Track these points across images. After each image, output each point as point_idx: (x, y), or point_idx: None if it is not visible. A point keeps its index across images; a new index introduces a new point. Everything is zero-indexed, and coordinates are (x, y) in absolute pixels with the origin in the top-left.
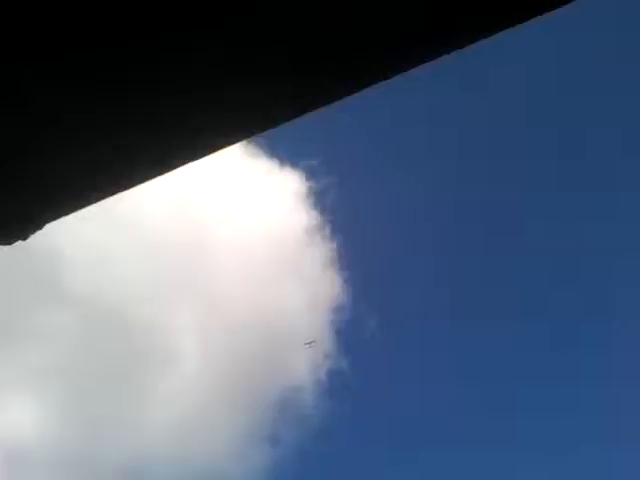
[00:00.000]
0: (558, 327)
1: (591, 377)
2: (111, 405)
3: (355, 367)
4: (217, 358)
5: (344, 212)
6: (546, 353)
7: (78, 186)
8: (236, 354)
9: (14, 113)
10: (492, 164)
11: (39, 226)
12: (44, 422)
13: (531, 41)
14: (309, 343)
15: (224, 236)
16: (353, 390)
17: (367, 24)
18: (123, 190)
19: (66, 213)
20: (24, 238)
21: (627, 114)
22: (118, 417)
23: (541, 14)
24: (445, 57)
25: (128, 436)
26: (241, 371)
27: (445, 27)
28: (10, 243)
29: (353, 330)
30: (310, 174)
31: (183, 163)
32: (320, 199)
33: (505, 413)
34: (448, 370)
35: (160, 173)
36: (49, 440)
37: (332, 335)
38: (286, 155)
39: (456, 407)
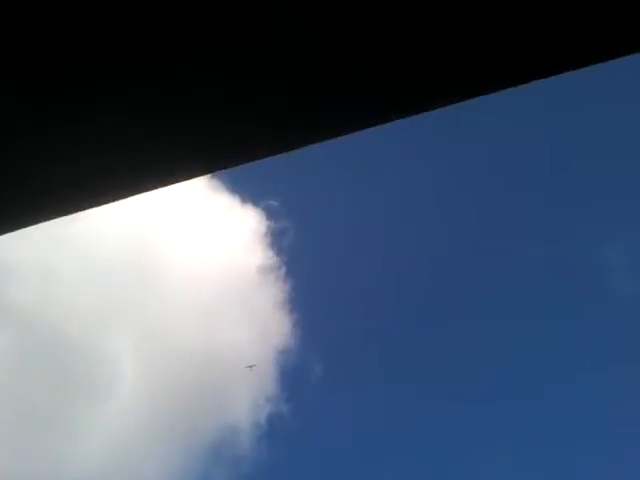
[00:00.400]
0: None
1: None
2: (43, 428)
3: (296, 413)
4: (154, 389)
5: (300, 256)
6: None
7: (34, 203)
8: (175, 386)
9: None
10: (456, 217)
11: None
12: None
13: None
14: (250, 367)
15: (178, 265)
16: (292, 437)
17: (339, 81)
18: (80, 211)
19: (16, 228)
20: None
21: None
22: (45, 444)
23: (536, 80)
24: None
25: (58, 460)
26: (178, 404)
27: (416, 89)
28: None
29: (298, 374)
30: (270, 214)
31: (151, 188)
32: (277, 240)
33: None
34: (393, 426)
35: (123, 197)
36: None
37: (276, 377)
38: (248, 193)
39: (400, 463)
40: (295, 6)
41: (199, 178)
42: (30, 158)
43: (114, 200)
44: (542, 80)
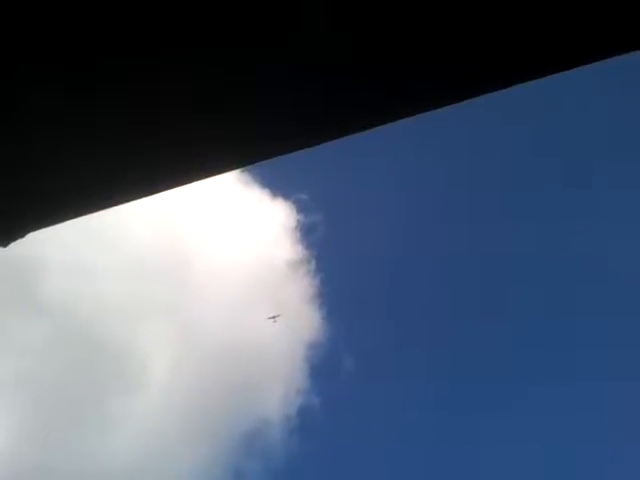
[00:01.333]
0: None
1: (587, 376)
2: (72, 423)
3: (327, 406)
4: (186, 383)
5: (329, 249)
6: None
7: (64, 199)
8: (206, 380)
9: (5, 124)
10: (482, 211)
11: (21, 234)
12: (2, 434)
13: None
14: (273, 317)
15: (208, 260)
16: (323, 429)
17: (361, 78)
18: (110, 207)
19: (50, 224)
20: (4, 245)
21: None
22: (78, 436)
23: (544, 76)
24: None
25: (86, 456)
26: (209, 399)
27: (427, 88)
28: None
29: (328, 368)
30: (300, 208)
31: (176, 185)
32: (307, 234)
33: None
34: (423, 418)
35: (150, 193)
36: (4, 452)
37: (306, 371)
38: (278, 186)
39: (431, 455)
40: (323, 6)
41: (229, 172)
42: (62, 154)
43: (147, 195)
44: (545, 78)
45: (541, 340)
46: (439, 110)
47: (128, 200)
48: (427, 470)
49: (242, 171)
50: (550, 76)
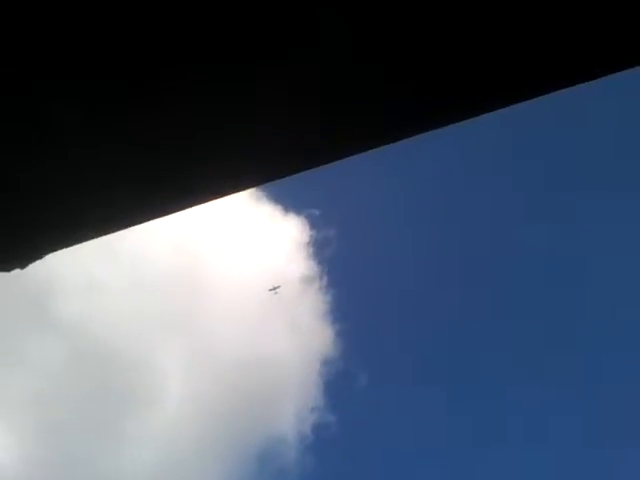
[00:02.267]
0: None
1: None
2: (88, 440)
3: (342, 423)
4: (200, 400)
5: (341, 265)
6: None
7: (80, 222)
8: (220, 397)
9: (26, 147)
10: (492, 225)
11: (39, 256)
12: (16, 452)
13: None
14: (274, 289)
15: (221, 276)
16: (338, 447)
17: (368, 97)
18: (125, 228)
19: (66, 246)
20: (23, 267)
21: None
22: (94, 452)
23: (547, 93)
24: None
25: (102, 473)
26: (224, 415)
27: (438, 105)
28: (9, 271)
29: (342, 384)
30: (312, 223)
31: (190, 206)
32: (320, 249)
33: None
34: (439, 432)
35: (165, 214)
36: (21, 469)
37: (320, 387)
38: (290, 203)
39: (448, 469)
40: (345, 27)
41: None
42: (77, 178)
43: (162, 216)
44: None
45: (560, 343)
46: (451, 127)
47: (143, 221)
48: None
49: (255, 188)
50: (554, 93)
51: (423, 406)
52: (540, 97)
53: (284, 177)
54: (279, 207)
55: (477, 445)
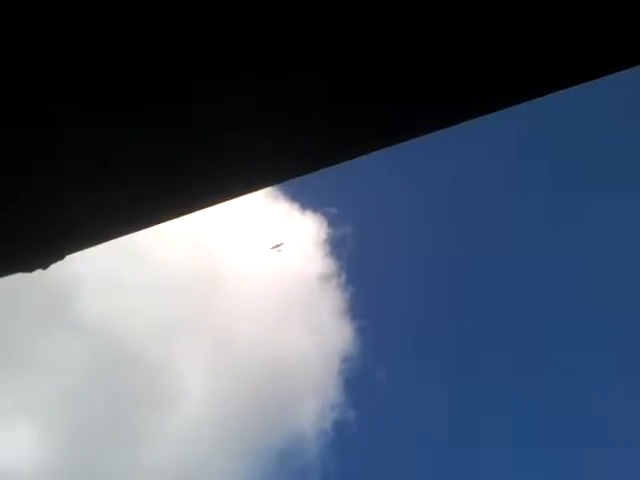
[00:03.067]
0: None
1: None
2: (108, 439)
3: (361, 419)
4: (220, 399)
5: (360, 262)
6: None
7: (100, 223)
8: (240, 396)
9: (44, 149)
10: (509, 224)
11: (60, 257)
12: (40, 452)
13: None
14: (276, 247)
15: (240, 275)
16: (359, 444)
17: (376, 97)
18: (144, 229)
19: (88, 246)
20: (45, 267)
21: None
22: (114, 452)
23: (545, 94)
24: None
25: (122, 472)
26: (244, 413)
27: (455, 101)
28: (31, 271)
29: (362, 381)
30: (330, 221)
31: (208, 205)
32: (338, 247)
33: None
34: (460, 429)
35: (184, 214)
36: (43, 470)
37: (340, 385)
38: (308, 200)
39: (470, 466)
40: (348, 25)
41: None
42: (97, 179)
43: (181, 216)
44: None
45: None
46: (468, 123)
47: (161, 221)
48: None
49: (272, 187)
50: (555, 92)
51: (443, 403)
52: (553, 94)
53: (290, 179)
54: (296, 205)
55: (502, 439)
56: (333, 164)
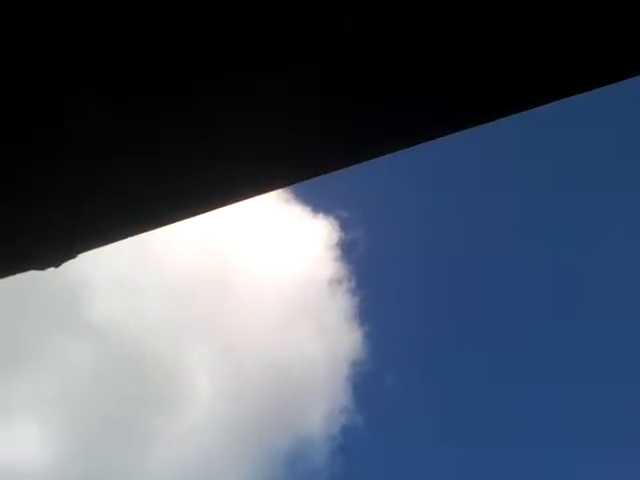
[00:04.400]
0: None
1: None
2: (115, 440)
3: (371, 424)
4: (228, 401)
5: (371, 267)
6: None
7: (113, 220)
8: (249, 399)
9: (52, 147)
10: (523, 228)
11: (72, 255)
12: (45, 451)
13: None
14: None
15: (250, 278)
16: (367, 448)
17: (398, 99)
18: (156, 228)
19: (99, 245)
20: (57, 265)
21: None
22: (121, 452)
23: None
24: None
25: (128, 473)
26: (252, 417)
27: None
28: (43, 269)
29: (371, 385)
30: (341, 225)
31: (220, 206)
32: (349, 251)
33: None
34: (471, 431)
35: (195, 215)
36: (48, 469)
37: (349, 389)
38: (319, 203)
39: (480, 471)
40: (361, 23)
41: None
42: (110, 176)
43: (192, 217)
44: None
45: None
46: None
47: (174, 221)
48: None
49: (283, 189)
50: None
51: (452, 407)
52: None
53: (299, 182)
54: (308, 208)
55: (513, 445)
56: (345, 167)
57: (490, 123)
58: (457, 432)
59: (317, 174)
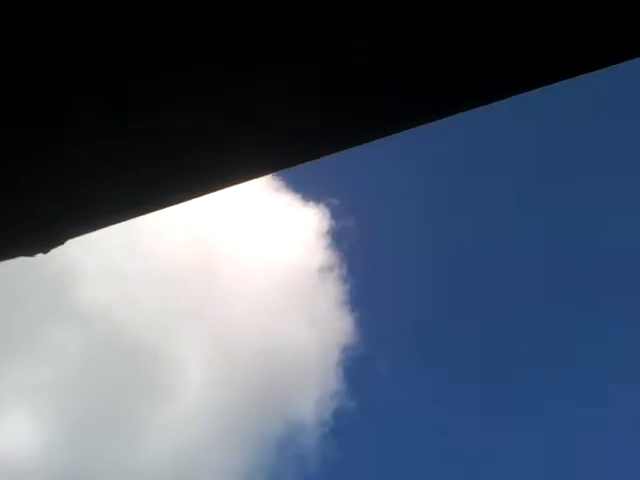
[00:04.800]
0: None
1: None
2: (104, 428)
3: (362, 409)
4: (219, 388)
5: (361, 254)
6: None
7: (101, 206)
8: (239, 386)
9: (43, 132)
10: (513, 214)
11: (61, 241)
12: (36, 440)
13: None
14: None
15: (238, 266)
16: (359, 432)
17: (389, 82)
18: (146, 214)
19: (88, 231)
20: (45, 251)
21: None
22: (110, 441)
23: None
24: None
25: (117, 462)
26: (243, 404)
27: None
28: (32, 255)
29: (362, 371)
30: (332, 212)
31: (209, 192)
32: (339, 239)
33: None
34: (463, 416)
35: (184, 200)
36: (38, 458)
37: (340, 375)
38: (309, 191)
39: (472, 459)
40: (359, 11)
41: (261, 177)
42: (100, 162)
43: (181, 202)
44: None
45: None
46: (479, 110)
47: (163, 207)
48: (467, 473)
49: (273, 176)
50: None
51: (444, 392)
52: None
53: (288, 168)
54: (298, 196)
55: (505, 431)
56: (333, 152)
57: (484, 107)
58: (448, 417)
59: (307, 159)
